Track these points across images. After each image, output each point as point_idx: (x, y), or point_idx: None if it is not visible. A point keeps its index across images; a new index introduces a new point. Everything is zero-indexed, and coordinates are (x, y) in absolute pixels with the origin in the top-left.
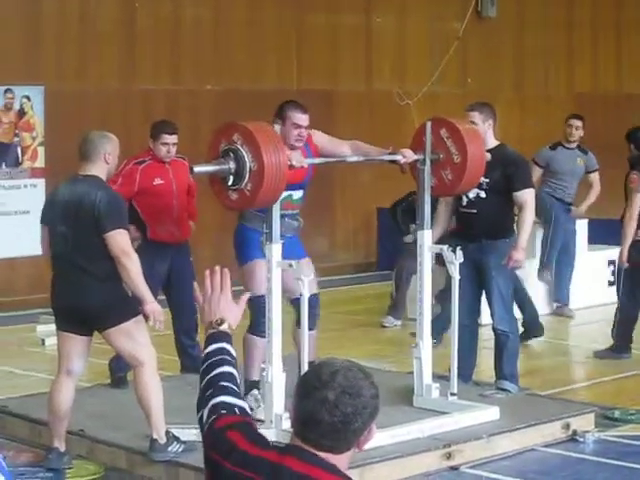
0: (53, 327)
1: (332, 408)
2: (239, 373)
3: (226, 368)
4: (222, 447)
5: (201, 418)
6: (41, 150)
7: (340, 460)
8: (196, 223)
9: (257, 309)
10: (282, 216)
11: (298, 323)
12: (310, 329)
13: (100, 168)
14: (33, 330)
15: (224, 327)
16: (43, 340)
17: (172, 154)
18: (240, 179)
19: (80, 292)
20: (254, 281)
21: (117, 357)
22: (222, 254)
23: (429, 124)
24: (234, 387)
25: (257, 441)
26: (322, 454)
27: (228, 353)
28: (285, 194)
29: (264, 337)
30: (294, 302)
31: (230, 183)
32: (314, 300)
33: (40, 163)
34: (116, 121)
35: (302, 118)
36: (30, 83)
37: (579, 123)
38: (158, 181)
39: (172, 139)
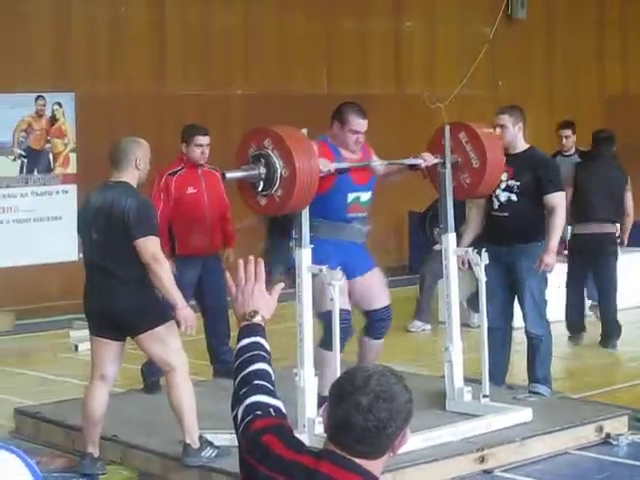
0: (86, 333)
1: (366, 413)
2: (273, 369)
3: (260, 365)
4: (257, 451)
5: (235, 417)
6: (73, 156)
7: (375, 465)
8: (234, 249)
9: (329, 324)
10: (351, 220)
11: (365, 332)
12: (377, 338)
13: (131, 174)
14: (66, 336)
15: (257, 319)
16: (76, 346)
17: (206, 156)
18: (270, 185)
19: (111, 297)
20: (325, 295)
21: (149, 362)
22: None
23: (447, 128)
24: (269, 385)
25: (292, 445)
26: (357, 459)
27: (262, 348)
28: (353, 196)
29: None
30: (367, 313)
31: (260, 189)
32: (386, 312)
33: (72, 169)
34: (147, 126)
35: (361, 124)
36: (61, 90)
37: (568, 132)
38: (191, 190)
39: (205, 140)
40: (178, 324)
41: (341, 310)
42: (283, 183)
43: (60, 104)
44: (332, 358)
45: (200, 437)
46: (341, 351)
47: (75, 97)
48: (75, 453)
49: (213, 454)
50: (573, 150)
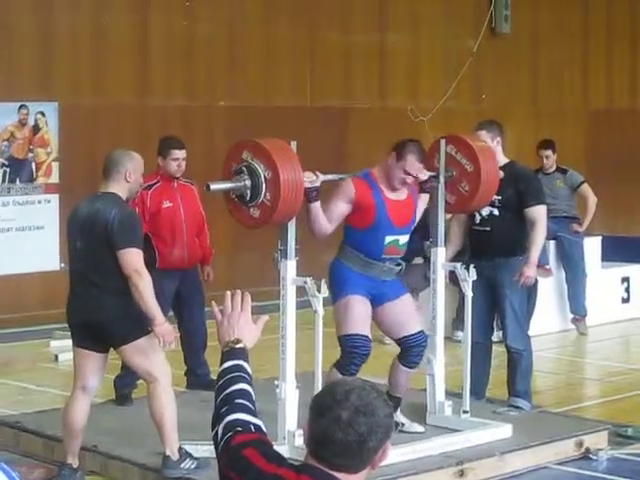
0: (67, 343)
1: (346, 427)
2: (254, 391)
3: (242, 385)
4: (238, 465)
5: (216, 435)
6: (55, 166)
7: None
8: (211, 265)
9: (348, 348)
10: (385, 260)
11: (399, 358)
12: (411, 367)
13: (120, 186)
14: (47, 346)
15: (240, 346)
16: (56, 356)
17: (182, 169)
18: (258, 192)
19: (94, 308)
20: (346, 318)
21: (121, 374)
22: (235, 272)
23: (443, 142)
24: (250, 404)
25: (273, 459)
26: (337, 474)
27: (244, 370)
28: (392, 238)
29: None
30: (399, 341)
31: (248, 198)
32: (420, 337)
33: (54, 179)
34: (130, 137)
35: (417, 167)
36: (44, 99)
37: (548, 152)
38: (167, 204)
39: (182, 154)
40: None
41: (362, 336)
42: (269, 186)
43: (43, 113)
44: None
45: (180, 449)
46: (348, 375)
47: (58, 107)
48: (54, 463)
49: (192, 466)
50: (554, 168)
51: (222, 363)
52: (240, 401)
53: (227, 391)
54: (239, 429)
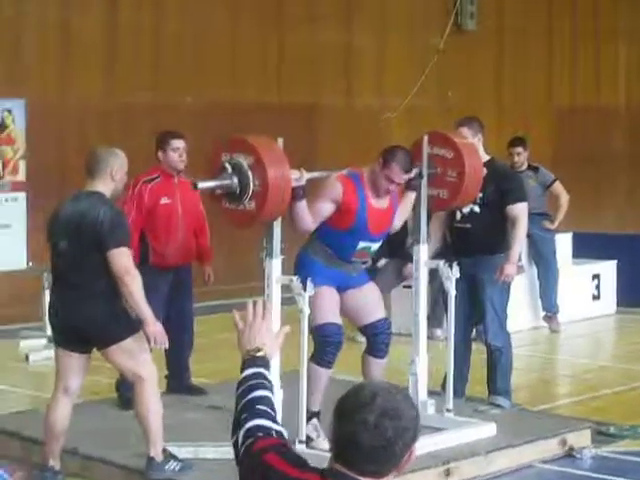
0: (37, 342)
1: (372, 430)
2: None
3: (263, 392)
4: (260, 470)
5: (236, 442)
6: (22, 163)
7: None
8: (210, 264)
9: (320, 338)
10: (352, 262)
11: (367, 350)
12: (379, 357)
13: (105, 185)
14: (16, 345)
15: (261, 354)
16: (27, 356)
17: (184, 160)
18: (247, 183)
19: (76, 311)
20: (316, 309)
21: (124, 378)
22: (219, 269)
23: (426, 138)
24: (270, 411)
25: (296, 463)
26: (363, 478)
27: (265, 378)
28: (365, 245)
29: (328, 367)
30: (361, 329)
31: (239, 191)
32: (383, 325)
33: (21, 177)
34: (97, 134)
35: (401, 177)
36: (11, 96)
37: (519, 149)
38: (165, 200)
39: (181, 143)
40: (147, 340)
41: (333, 324)
42: (255, 171)
43: (10, 111)
44: (323, 373)
45: (164, 450)
46: (331, 367)
47: (25, 104)
48: (35, 466)
49: (177, 467)
50: (525, 166)
51: (243, 371)
52: (261, 407)
53: (248, 398)
54: (260, 435)
